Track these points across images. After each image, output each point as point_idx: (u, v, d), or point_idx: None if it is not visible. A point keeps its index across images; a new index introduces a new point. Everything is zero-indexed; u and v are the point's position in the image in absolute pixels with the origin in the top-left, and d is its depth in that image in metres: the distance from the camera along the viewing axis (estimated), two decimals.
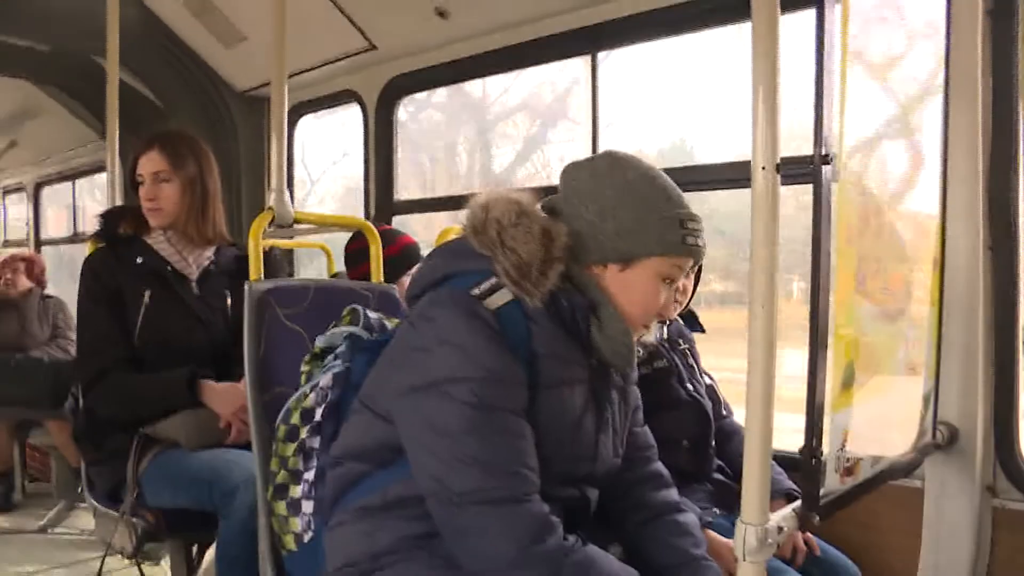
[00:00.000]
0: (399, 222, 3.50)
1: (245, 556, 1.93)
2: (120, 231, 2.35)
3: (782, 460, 1.92)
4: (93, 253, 2.35)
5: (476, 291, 1.37)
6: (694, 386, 2.09)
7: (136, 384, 2.19)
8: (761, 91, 1.20)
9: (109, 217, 2.40)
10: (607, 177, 1.44)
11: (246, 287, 1.85)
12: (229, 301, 2.33)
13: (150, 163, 2.30)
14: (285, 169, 2.30)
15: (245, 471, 1.98)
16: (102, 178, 5.54)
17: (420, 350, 1.36)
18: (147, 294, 2.23)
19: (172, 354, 2.21)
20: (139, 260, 2.27)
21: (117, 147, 2.93)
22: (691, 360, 2.15)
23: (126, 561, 2.30)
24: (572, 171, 1.49)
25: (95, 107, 4.03)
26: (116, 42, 2.90)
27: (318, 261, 3.56)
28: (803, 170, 1.29)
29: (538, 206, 1.44)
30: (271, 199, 2.20)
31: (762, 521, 1.24)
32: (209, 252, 2.38)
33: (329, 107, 3.83)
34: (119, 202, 2.87)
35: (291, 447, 1.61)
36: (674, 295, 1.52)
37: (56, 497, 4.21)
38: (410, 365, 1.37)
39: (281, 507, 1.63)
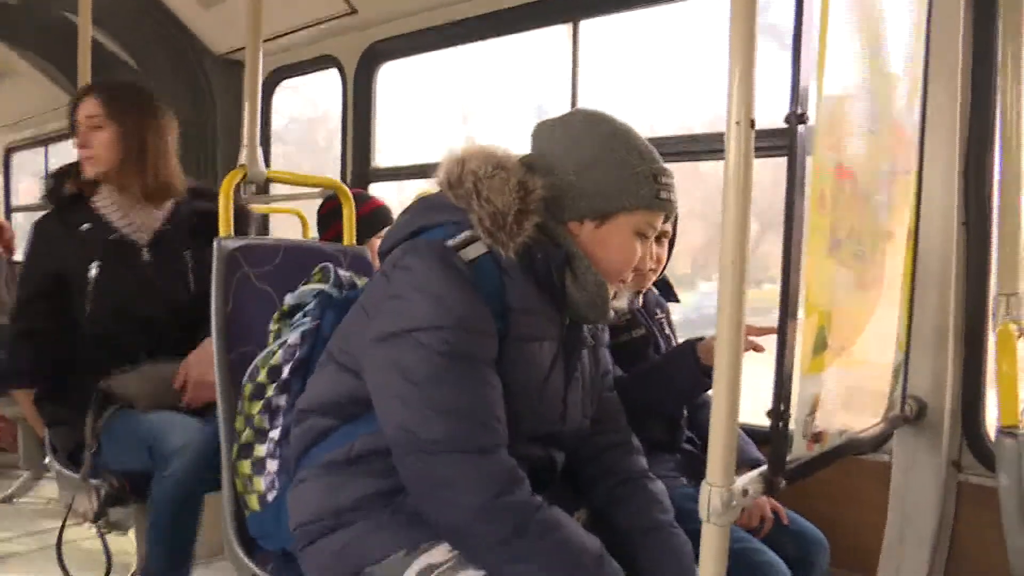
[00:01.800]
0: (378, 191, 3.47)
1: (175, 524, 1.96)
2: (65, 190, 2.27)
3: (752, 433, 1.93)
4: (40, 220, 2.29)
5: (451, 242, 1.36)
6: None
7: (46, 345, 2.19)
8: (738, 44, 1.19)
9: (58, 176, 2.33)
10: (580, 134, 1.42)
11: (215, 244, 1.82)
12: (191, 263, 2.26)
13: (84, 109, 2.24)
14: (258, 127, 2.26)
15: (184, 436, 1.97)
16: None
17: (393, 298, 1.35)
18: (94, 266, 2.17)
19: (128, 327, 2.17)
20: (84, 227, 2.20)
21: None
22: (667, 330, 2.14)
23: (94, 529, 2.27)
24: (544, 129, 1.47)
25: (69, 69, 3.96)
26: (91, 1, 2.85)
27: (294, 230, 3.52)
28: (779, 142, 1.28)
29: (514, 159, 1.42)
30: (243, 157, 2.16)
31: (727, 483, 1.24)
32: (161, 212, 2.29)
33: (308, 72, 3.78)
34: None
35: (257, 405, 1.59)
36: (650, 251, 1.51)
37: (22, 467, 4.17)
38: (383, 313, 1.36)
39: (246, 467, 1.61)
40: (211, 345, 2.08)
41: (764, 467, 1.36)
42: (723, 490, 1.23)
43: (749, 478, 1.31)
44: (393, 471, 1.35)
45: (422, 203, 1.48)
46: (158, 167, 2.26)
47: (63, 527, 2.24)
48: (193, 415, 2.11)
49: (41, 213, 2.33)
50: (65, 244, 2.19)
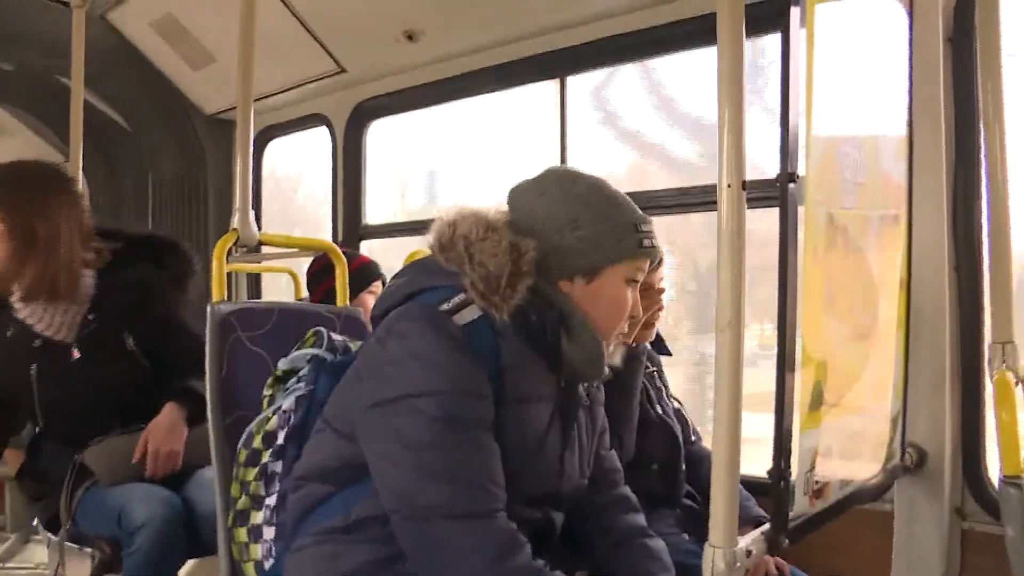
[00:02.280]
0: (368, 248, 3.48)
1: None
2: None
3: (751, 486, 1.91)
4: None
5: (445, 306, 1.35)
6: (663, 408, 2.08)
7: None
8: (727, 112, 1.21)
9: None
10: (556, 195, 1.43)
11: (208, 309, 1.81)
12: (134, 343, 2.16)
13: None
14: (250, 190, 2.27)
15: (148, 510, 1.93)
16: None
17: (388, 364, 1.34)
18: (33, 368, 2.11)
19: (76, 423, 2.12)
20: (9, 333, 2.13)
21: (81, 169, 2.89)
22: (659, 383, 2.14)
23: None
24: (520, 192, 1.48)
25: (61, 128, 3.99)
26: (81, 62, 2.87)
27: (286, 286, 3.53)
28: (769, 193, 1.30)
29: (505, 222, 1.43)
30: (235, 220, 2.17)
31: (730, 544, 1.23)
32: (81, 304, 2.15)
33: (297, 130, 3.81)
34: None
35: (253, 471, 1.57)
36: (639, 296, 1.51)
37: (9, 530, 4.10)
38: (377, 379, 1.35)
39: (242, 533, 1.59)
40: (173, 412, 2.10)
41: (767, 525, 1.35)
42: (727, 551, 1.22)
43: (752, 538, 1.30)
44: (391, 538, 1.33)
45: (414, 267, 1.49)
46: (56, 261, 2.08)
47: None
48: (164, 484, 2.08)
49: None
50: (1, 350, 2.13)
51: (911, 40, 1.91)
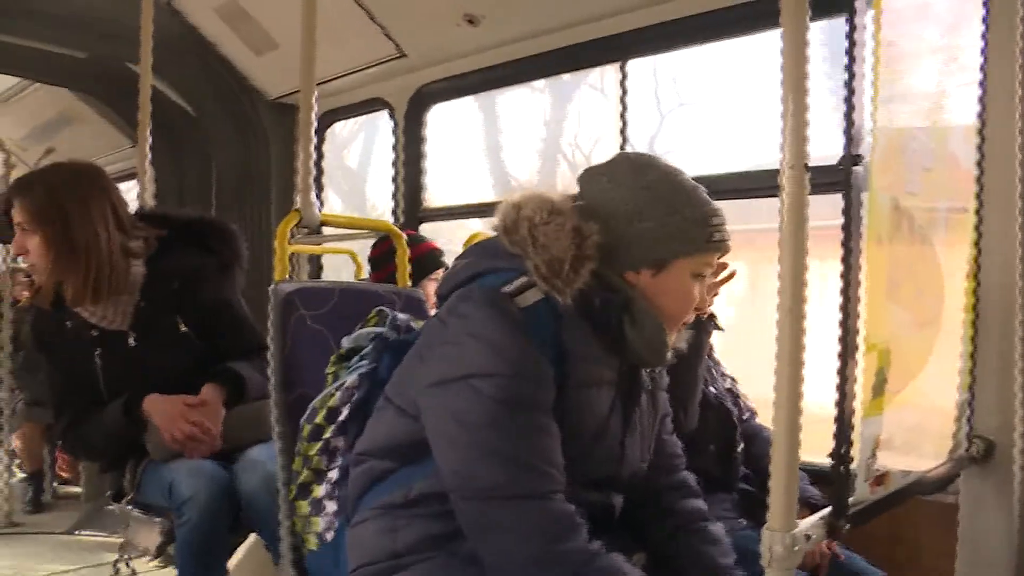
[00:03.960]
0: (430, 231, 3.51)
1: (199, 569, 1.97)
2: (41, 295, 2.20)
3: (807, 470, 1.89)
4: (34, 319, 2.27)
5: (507, 288, 1.36)
6: (717, 388, 2.06)
7: (88, 432, 2.18)
8: (791, 94, 1.19)
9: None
10: (627, 183, 1.42)
11: (271, 289, 1.85)
12: (186, 327, 2.22)
13: (15, 215, 2.15)
14: (312, 172, 2.30)
15: (193, 485, 1.99)
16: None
17: (449, 344, 1.36)
18: (97, 354, 2.17)
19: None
20: (68, 324, 2.18)
21: (148, 154, 2.96)
22: (711, 362, 2.12)
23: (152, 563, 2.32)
24: (591, 177, 1.47)
25: (129, 114, 4.09)
26: (149, 49, 2.94)
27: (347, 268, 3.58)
28: (833, 178, 1.28)
29: (570, 205, 1.43)
30: (298, 202, 2.20)
31: (789, 528, 1.22)
32: (131, 295, 2.19)
33: (358, 114, 3.86)
34: None
35: (315, 446, 1.61)
36: (706, 290, 1.50)
37: (84, 499, 4.24)
38: (438, 359, 1.37)
39: (304, 506, 1.63)
40: (209, 393, 2.16)
41: (826, 510, 1.34)
42: (785, 535, 1.21)
43: (811, 523, 1.29)
44: (451, 515, 1.35)
45: (478, 248, 1.50)
46: (97, 263, 2.12)
47: (119, 560, 2.30)
48: (215, 459, 2.13)
49: None
50: (63, 340, 2.19)
51: (986, 21, 1.85)
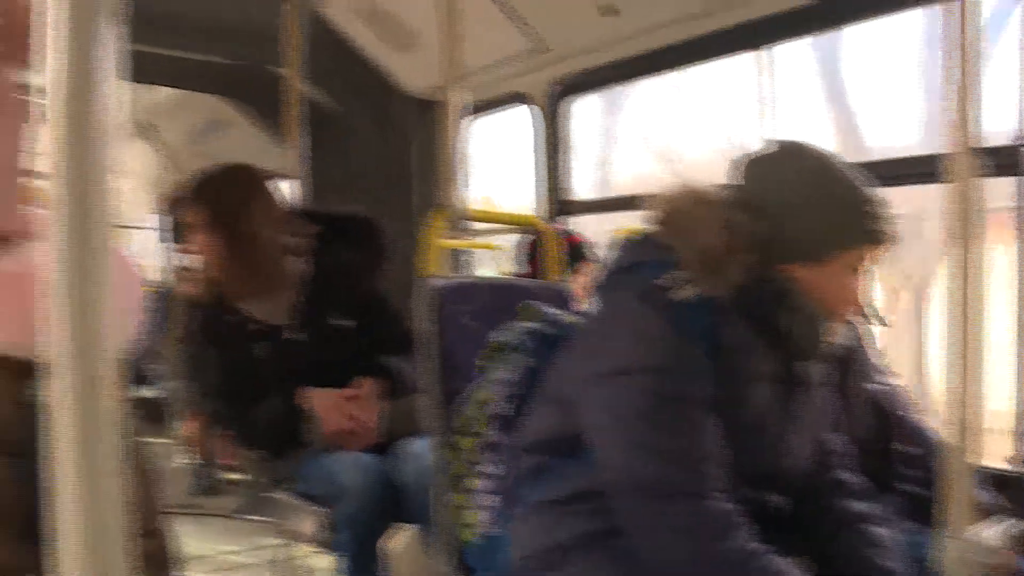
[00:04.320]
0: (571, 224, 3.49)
1: (356, 560, 2.04)
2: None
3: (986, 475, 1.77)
4: (197, 311, 2.36)
5: (660, 282, 1.34)
6: (875, 384, 1.96)
7: (250, 424, 2.27)
8: (959, 73, 1.12)
9: None
10: (787, 172, 1.36)
11: (422, 284, 1.88)
12: (341, 322, 2.29)
13: (185, 214, 2.28)
14: (456, 168, 2.33)
15: (349, 477, 2.05)
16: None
17: (604, 338, 1.35)
18: (256, 348, 2.26)
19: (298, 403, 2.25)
20: (227, 318, 2.28)
21: (300, 154, 3.06)
22: (870, 357, 2.02)
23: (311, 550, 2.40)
24: (747, 166, 1.42)
25: (273, 117, 4.25)
26: (294, 51, 3.03)
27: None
28: (1003, 160, 1.19)
29: (723, 196, 1.38)
30: (443, 197, 2.23)
31: (966, 535, 1.15)
32: (290, 286, 2.29)
33: (499, 108, 3.87)
34: None
35: (470, 440, 1.63)
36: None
37: (246, 486, 4.44)
38: (594, 353, 1.36)
39: (459, 499, 1.66)
40: (364, 388, 2.22)
41: (1012, 520, 1.25)
42: (962, 543, 1.14)
43: (995, 530, 1.21)
44: (610, 511, 1.34)
45: (629, 242, 1.47)
46: (258, 263, 2.24)
47: (283, 545, 2.39)
48: (372, 451, 2.20)
49: None
50: (224, 336, 2.29)
51: None
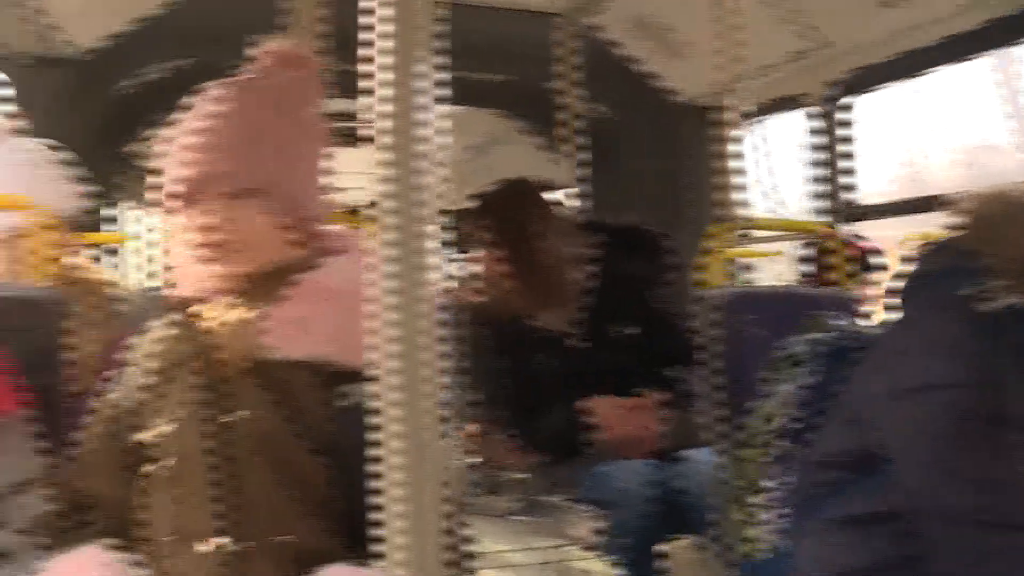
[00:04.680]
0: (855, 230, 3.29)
1: (632, 569, 2.02)
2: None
3: None
4: (482, 320, 2.42)
5: (968, 292, 1.22)
6: None
7: (534, 430, 2.34)
8: None
9: None
10: None
11: (705, 294, 1.86)
12: (621, 331, 2.30)
13: (471, 229, 2.36)
14: (735, 176, 2.28)
15: (625, 484, 2.04)
16: None
17: (904, 352, 1.27)
18: (540, 356, 2.31)
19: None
20: (514, 328, 2.34)
21: (575, 171, 3.12)
22: None
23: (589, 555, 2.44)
24: None
25: (549, 131, 4.38)
26: (570, 66, 3.10)
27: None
28: None
29: None
30: (722, 207, 2.19)
31: None
32: (574, 296, 2.32)
33: (776, 112, 3.73)
34: None
35: (754, 454, 1.58)
36: None
37: (526, 489, 4.59)
38: (893, 367, 1.28)
39: (743, 513, 1.61)
40: (644, 399, 2.21)
41: None
42: None
43: None
44: (914, 536, 1.24)
45: (931, 248, 1.37)
46: (546, 275, 2.29)
47: (557, 548, 2.45)
48: (654, 460, 2.17)
49: None
50: (509, 344, 2.36)
51: None
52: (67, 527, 1.29)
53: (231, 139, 1.23)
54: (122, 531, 1.27)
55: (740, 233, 2.24)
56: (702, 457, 2.03)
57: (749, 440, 1.60)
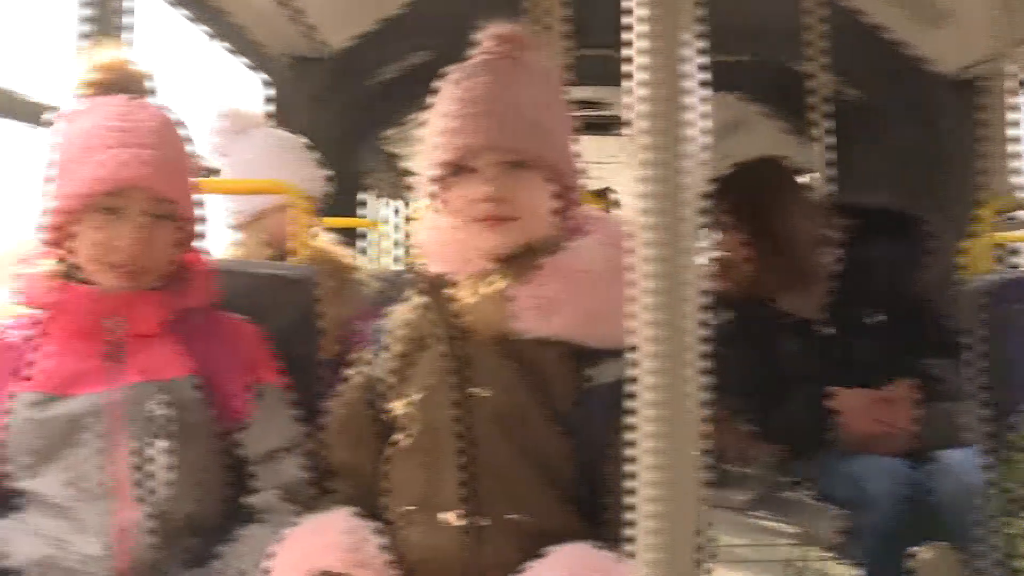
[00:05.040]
0: None
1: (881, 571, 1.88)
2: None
3: None
4: (725, 305, 2.33)
5: None
6: None
7: (777, 420, 2.23)
8: None
9: None
10: None
11: (972, 281, 1.69)
12: (874, 317, 2.16)
13: (717, 211, 2.26)
14: (1007, 152, 2.06)
15: (880, 484, 1.90)
16: None
17: None
18: (786, 343, 2.20)
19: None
20: (759, 314, 2.24)
21: (824, 152, 2.96)
22: None
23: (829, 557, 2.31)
24: None
25: (791, 112, 4.18)
26: (819, 44, 2.94)
27: None
28: None
29: None
30: (992, 186, 2.00)
31: None
32: (825, 280, 2.20)
33: None
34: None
35: None
36: None
37: (757, 481, 4.44)
38: None
39: (1014, 525, 1.46)
40: (901, 390, 2.05)
41: None
42: None
43: None
44: None
45: None
46: (794, 254, 2.18)
47: (795, 546, 2.32)
48: (905, 459, 2.01)
49: None
50: (753, 330, 2.25)
51: None
52: (318, 492, 1.37)
53: (502, 111, 1.23)
54: (367, 500, 1.33)
55: (1011, 214, 2.02)
56: (961, 459, 1.85)
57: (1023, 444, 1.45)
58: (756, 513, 4.12)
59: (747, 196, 2.25)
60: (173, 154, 1.33)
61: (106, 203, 1.25)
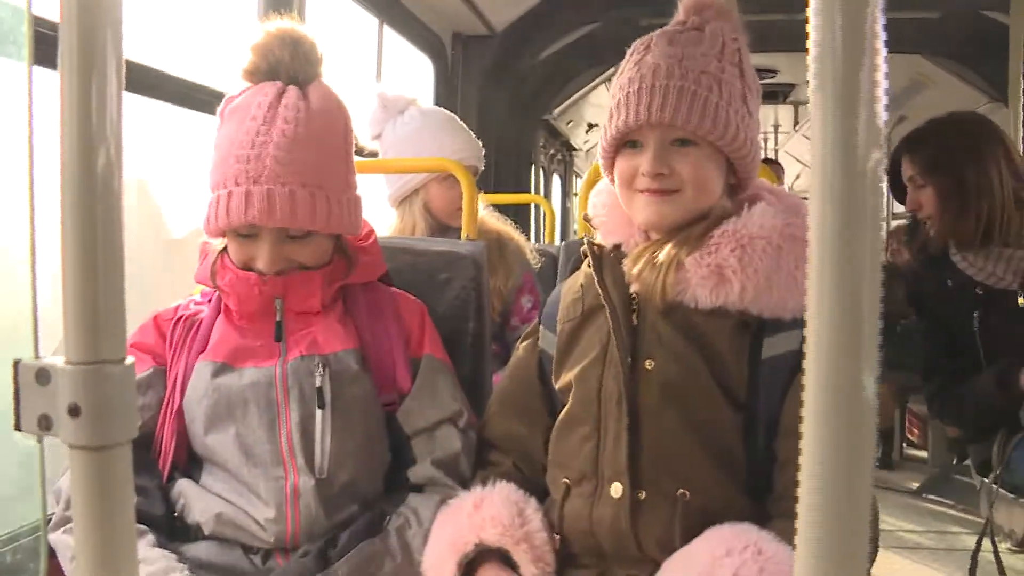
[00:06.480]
0: None
1: None
2: (929, 245, 2.20)
3: None
4: (911, 273, 2.28)
5: None
6: None
7: (959, 398, 2.13)
8: None
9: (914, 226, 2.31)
10: None
11: None
12: None
13: (906, 167, 2.19)
14: None
15: None
16: None
17: None
18: (976, 314, 2.08)
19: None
20: (950, 283, 2.11)
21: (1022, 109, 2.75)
22: None
23: (1005, 546, 2.18)
24: None
25: (984, 67, 3.87)
26: None
27: None
28: None
29: None
30: None
31: None
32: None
33: None
34: None
35: None
36: None
37: (930, 464, 4.22)
38: None
39: None
40: None
41: None
42: None
43: None
44: None
45: None
46: (989, 208, 2.07)
47: (981, 538, 2.20)
48: None
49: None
50: (942, 299, 2.15)
51: None
52: (481, 464, 1.39)
53: (670, 88, 1.21)
54: (532, 470, 1.36)
55: None
56: None
57: None
58: (930, 496, 3.93)
59: (945, 147, 2.14)
60: (309, 173, 1.28)
61: (240, 231, 1.29)
